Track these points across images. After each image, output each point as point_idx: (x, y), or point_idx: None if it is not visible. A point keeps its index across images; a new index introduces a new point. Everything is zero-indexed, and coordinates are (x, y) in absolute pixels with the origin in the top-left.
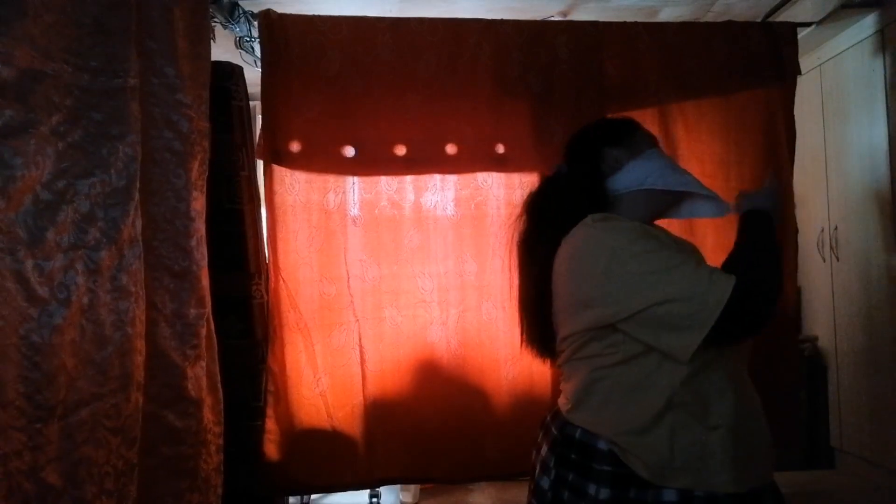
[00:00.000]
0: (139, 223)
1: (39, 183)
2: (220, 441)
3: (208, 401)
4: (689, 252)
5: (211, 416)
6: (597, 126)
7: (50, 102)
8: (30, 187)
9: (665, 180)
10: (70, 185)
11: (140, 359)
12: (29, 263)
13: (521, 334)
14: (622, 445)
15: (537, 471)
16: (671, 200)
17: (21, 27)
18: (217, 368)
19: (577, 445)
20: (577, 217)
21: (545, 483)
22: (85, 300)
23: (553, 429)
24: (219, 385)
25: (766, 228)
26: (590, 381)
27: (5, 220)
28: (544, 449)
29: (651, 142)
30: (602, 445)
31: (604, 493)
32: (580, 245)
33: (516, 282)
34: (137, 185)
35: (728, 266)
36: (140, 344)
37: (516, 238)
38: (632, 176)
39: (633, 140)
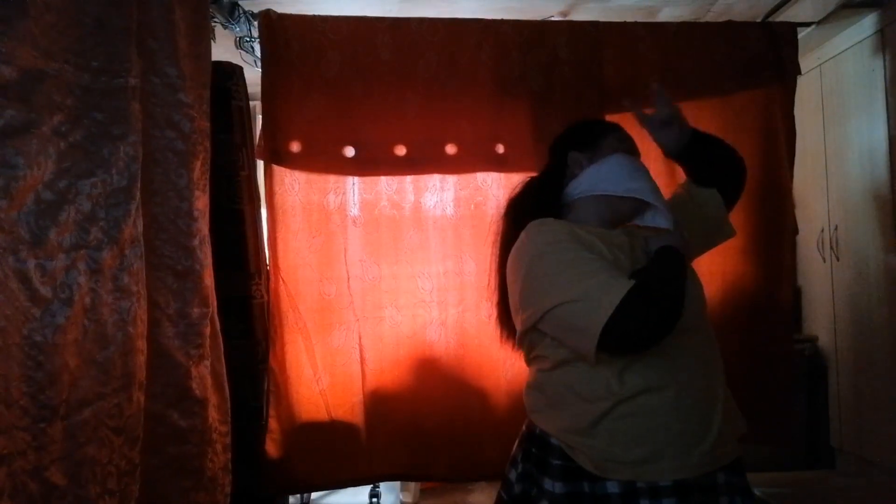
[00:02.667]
0: (140, 223)
1: (41, 183)
2: (227, 440)
3: (214, 400)
4: (617, 256)
5: (217, 416)
6: (568, 130)
7: (52, 102)
8: (32, 187)
9: (615, 186)
10: (72, 185)
11: (142, 358)
12: (31, 263)
13: (500, 330)
14: (568, 443)
15: (508, 464)
16: (629, 207)
17: (23, 27)
18: (223, 368)
19: (536, 441)
20: (534, 218)
21: (513, 476)
22: (87, 300)
23: (524, 425)
24: (224, 384)
25: (674, 260)
26: (538, 383)
27: (7, 219)
28: (516, 443)
29: (621, 146)
30: (554, 441)
31: (559, 488)
32: (514, 251)
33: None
34: (138, 184)
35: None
36: (141, 344)
37: (496, 238)
38: (587, 181)
39: (599, 145)
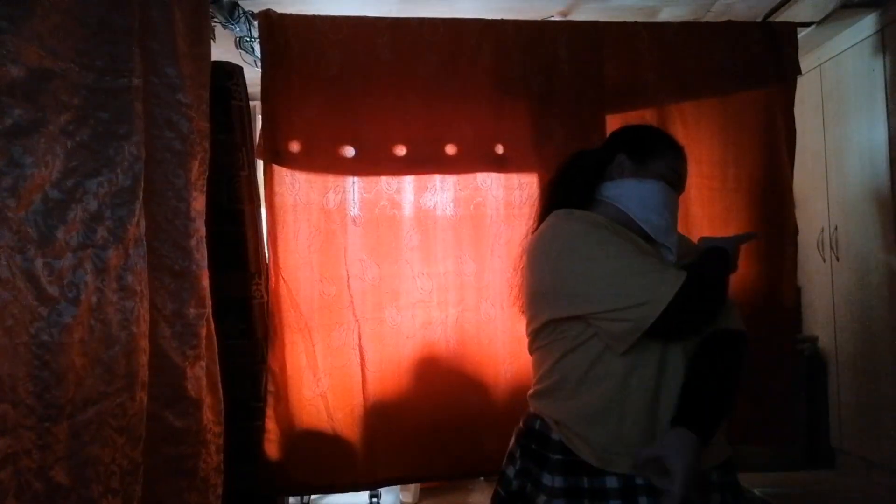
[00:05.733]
0: (143, 223)
1: (49, 182)
2: (220, 441)
3: (208, 401)
4: (644, 250)
5: (211, 416)
6: (633, 128)
7: (58, 101)
8: (39, 186)
9: (638, 211)
10: (79, 184)
11: (145, 358)
12: (39, 262)
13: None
14: (572, 429)
15: (505, 460)
16: (641, 233)
17: (29, 27)
18: (217, 368)
19: (536, 436)
20: (559, 201)
21: (511, 472)
22: (93, 299)
23: (521, 421)
24: (219, 385)
25: (720, 261)
26: (546, 370)
27: (15, 218)
28: (512, 440)
29: (668, 175)
30: (554, 436)
31: (558, 482)
32: (540, 235)
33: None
34: (142, 184)
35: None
36: (144, 343)
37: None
38: (619, 190)
39: (649, 163)
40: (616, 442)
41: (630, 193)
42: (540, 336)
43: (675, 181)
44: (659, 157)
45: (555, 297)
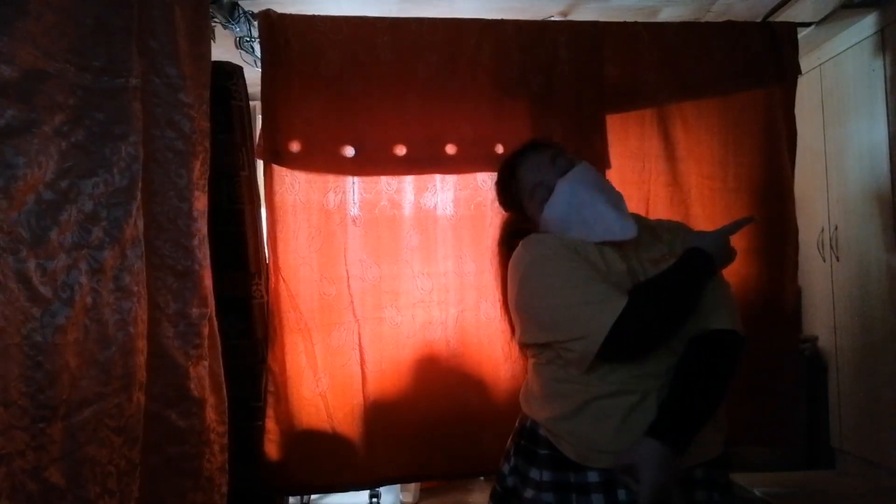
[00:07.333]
0: (141, 223)
1: (42, 183)
2: (224, 440)
3: (211, 400)
4: (600, 269)
5: (214, 416)
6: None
7: (53, 102)
8: (32, 187)
9: (568, 226)
10: (73, 185)
11: (142, 359)
12: (31, 263)
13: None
14: (553, 431)
15: (503, 458)
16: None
17: (23, 27)
18: (220, 368)
19: (527, 434)
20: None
21: (505, 469)
22: (88, 300)
23: (517, 421)
24: (222, 385)
25: (695, 266)
26: (533, 377)
27: (7, 220)
28: (510, 439)
29: (538, 181)
30: (542, 432)
31: (546, 476)
32: (511, 263)
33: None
34: (139, 184)
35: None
36: (142, 344)
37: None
38: (548, 216)
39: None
40: (594, 442)
41: (550, 215)
42: (527, 351)
43: (553, 171)
44: (520, 179)
45: (519, 323)
